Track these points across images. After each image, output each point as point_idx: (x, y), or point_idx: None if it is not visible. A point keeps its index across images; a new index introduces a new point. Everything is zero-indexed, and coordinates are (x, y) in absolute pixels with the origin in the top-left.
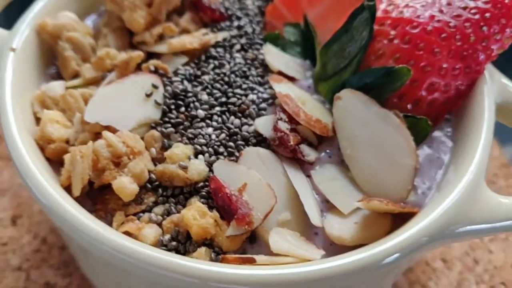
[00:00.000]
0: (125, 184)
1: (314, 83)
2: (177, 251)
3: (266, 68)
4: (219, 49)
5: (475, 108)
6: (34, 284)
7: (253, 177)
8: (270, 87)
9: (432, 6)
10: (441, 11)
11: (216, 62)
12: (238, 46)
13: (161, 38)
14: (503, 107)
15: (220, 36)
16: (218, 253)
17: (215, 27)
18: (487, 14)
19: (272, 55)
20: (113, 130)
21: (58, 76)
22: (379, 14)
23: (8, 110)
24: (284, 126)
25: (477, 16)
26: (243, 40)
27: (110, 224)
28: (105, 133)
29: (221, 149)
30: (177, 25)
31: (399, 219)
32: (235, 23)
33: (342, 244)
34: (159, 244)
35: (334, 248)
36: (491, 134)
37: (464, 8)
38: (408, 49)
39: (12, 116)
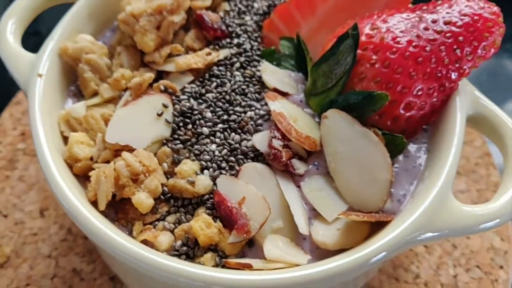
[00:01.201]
0: (142, 200)
1: (306, 98)
2: (187, 255)
3: (263, 84)
4: (221, 68)
5: (447, 122)
6: (62, 270)
7: (250, 191)
8: (266, 104)
9: (410, 31)
10: (418, 36)
11: (219, 81)
12: (237, 64)
13: (169, 55)
14: (475, 118)
15: (222, 54)
16: (222, 257)
17: (217, 45)
18: (460, 38)
19: (268, 72)
20: (130, 148)
21: (79, 93)
22: (362, 38)
23: (40, 132)
24: (277, 143)
25: (451, 40)
26: (242, 58)
27: (130, 232)
28: (124, 154)
29: (224, 164)
30: (182, 41)
31: (377, 225)
32: (235, 41)
33: (326, 249)
34: (172, 249)
35: (319, 251)
36: (460, 146)
37: (439, 32)
38: (387, 73)
39: (43, 138)
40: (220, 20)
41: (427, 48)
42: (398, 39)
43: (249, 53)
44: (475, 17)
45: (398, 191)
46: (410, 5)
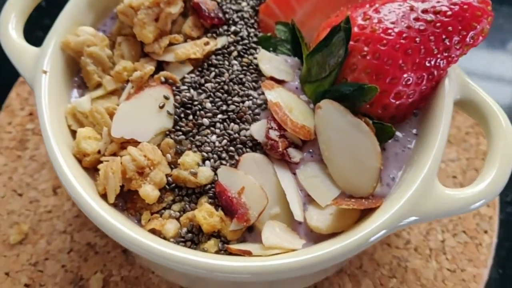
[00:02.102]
0: (148, 192)
1: (301, 84)
2: (192, 241)
3: (260, 72)
4: (219, 57)
5: (435, 107)
6: (78, 245)
7: (249, 181)
8: (263, 92)
9: (401, 22)
10: (408, 27)
11: (217, 70)
12: (235, 53)
13: (169, 43)
14: (463, 102)
15: (220, 42)
16: (224, 242)
17: (215, 32)
18: (450, 28)
19: (265, 61)
20: (135, 141)
21: (83, 84)
22: (355, 29)
23: (48, 129)
24: (274, 134)
25: (440, 30)
26: (239, 47)
27: (139, 220)
28: (130, 149)
29: (224, 155)
30: (181, 28)
31: (366, 209)
32: (232, 28)
33: (319, 233)
34: (178, 236)
35: (313, 234)
36: (446, 132)
37: (429, 22)
38: (377, 64)
39: (52, 135)
40: (217, 7)
41: (417, 39)
42: (389, 30)
43: (246, 41)
44: (464, 6)
45: (388, 175)
46: None
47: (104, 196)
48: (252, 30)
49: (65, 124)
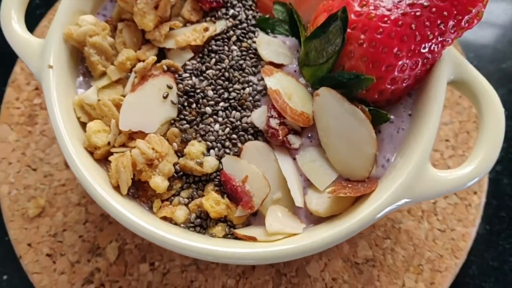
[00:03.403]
0: (158, 183)
1: (299, 67)
2: (201, 226)
3: (259, 57)
4: (219, 42)
5: (429, 88)
6: (92, 216)
7: (252, 170)
8: (263, 78)
9: (398, 7)
10: (404, 14)
11: (217, 57)
12: (234, 38)
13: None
14: (457, 82)
15: (219, 27)
16: (231, 226)
17: (214, 16)
18: (445, 13)
19: (263, 46)
20: (143, 132)
21: (88, 72)
22: (352, 16)
23: (60, 124)
24: (274, 122)
25: (435, 15)
26: (238, 31)
27: (150, 207)
28: (138, 143)
29: (227, 143)
30: (179, 12)
31: None
32: (231, 11)
33: (317, 215)
34: (188, 221)
35: (313, 216)
36: (439, 116)
37: (425, 7)
38: (374, 52)
39: (64, 129)
40: None
41: (413, 26)
42: (385, 18)
43: (245, 24)
44: None
45: (383, 156)
46: None
47: (117, 188)
48: (250, 12)
49: (74, 116)
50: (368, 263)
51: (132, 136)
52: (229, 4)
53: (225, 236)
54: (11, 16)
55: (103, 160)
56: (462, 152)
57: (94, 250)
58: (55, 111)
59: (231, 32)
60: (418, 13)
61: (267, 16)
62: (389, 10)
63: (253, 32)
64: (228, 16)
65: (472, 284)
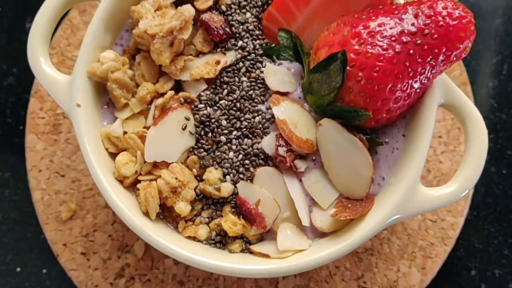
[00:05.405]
0: (182, 208)
1: (303, 93)
2: (221, 242)
3: (267, 86)
4: (229, 74)
5: (421, 112)
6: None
7: (264, 194)
8: (271, 107)
9: (393, 46)
10: (399, 53)
11: (229, 88)
12: (243, 69)
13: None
14: (447, 106)
15: (229, 58)
16: (247, 242)
17: (224, 47)
18: (436, 50)
19: (270, 75)
20: (166, 162)
21: (111, 102)
22: (351, 55)
23: (92, 158)
24: (282, 150)
25: (427, 52)
26: (247, 63)
27: (176, 227)
28: (163, 174)
29: (241, 169)
30: (192, 40)
31: None
32: (239, 43)
33: (322, 231)
34: (209, 239)
35: (318, 231)
36: (430, 137)
37: (418, 45)
38: (371, 88)
39: (96, 163)
40: (224, 22)
41: (406, 63)
42: (381, 57)
43: (253, 54)
44: (450, 28)
45: (379, 175)
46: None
47: (146, 213)
48: (258, 42)
49: (103, 147)
50: (367, 252)
51: (156, 164)
52: (237, 35)
53: (242, 251)
54: (40, 61)
55: (132, 186)
56: (453, 147)
57: (123, 248)
58: (86, 146)
59: (241, 64)
60: (411, 52)
61: (273, 45)
62: (385, 49)
63: (261, 62)
64: (237, 48)
65: (460, 265)
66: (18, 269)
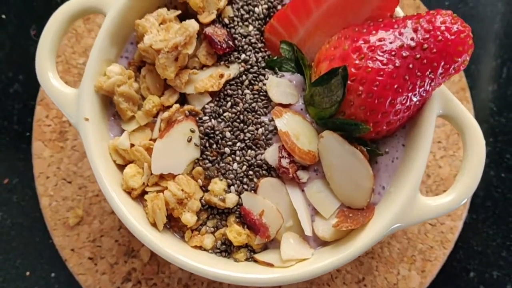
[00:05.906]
0: (189, 219)
1: (305, 105)
2: (226, 251)
3: (269, 98)
4: (233, 87)
5: (420, 122)
6: None
7: (267, 205)
8: (274, 119)
9: (393, 61)
10: (398, 67)
11: (232, 100)
12: (246, 82)
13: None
14: (446, 116)
15: (232, 71)
16: (251, 251)
17: (227, 60)
18: (434, 63)
19: (273, 88)
20: (172, 174)
21: (117, 114)
22: (351, 70)
23: (100, 171)
24: (285, 162)
25: (426, 66)
26: (250, 76)
27: (182, 236)
28: (170, 186)
29: (245, 179)
30: (196, 53)
31: None
32: (242, 56)
33: (324, 240)
34: (215, 247)
35: (320, 240)
36: (429, 147)
37: (417, 59)
38: (371, 102)
39: (105, 176)
40: (227, 35)
41: (406, 77)
42: (381, 72)
43: (256, 67)
44: (448, 43)
45: (379, 185)
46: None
47: (154, 224)
48: (260, 54)
49: (110, 159)
50: (367, 255)
51: (163, 175)
52: (240, 48)
53: (246, 260)
54: (48, 75)
55: (139, 197)
56: (452, 152)
57: (130, 253)
58: (95, 160)
59: (244, 77)
60: (410, 66)
61: (275, 57)
62: (385, 64)
63: (263, 75)
64: (240, 61)
65: (458, 267)
66: (28, 273)
